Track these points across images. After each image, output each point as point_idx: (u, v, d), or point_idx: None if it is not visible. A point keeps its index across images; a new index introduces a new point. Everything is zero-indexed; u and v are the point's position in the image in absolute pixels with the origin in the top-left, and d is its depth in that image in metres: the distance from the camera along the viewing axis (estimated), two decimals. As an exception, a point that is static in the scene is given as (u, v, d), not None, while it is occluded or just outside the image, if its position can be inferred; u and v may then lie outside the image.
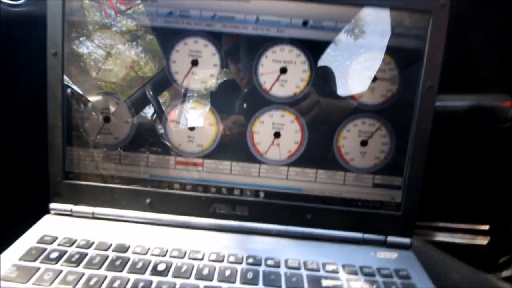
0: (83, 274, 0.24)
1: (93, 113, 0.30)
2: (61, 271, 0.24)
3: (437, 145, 0.32)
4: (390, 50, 0.30)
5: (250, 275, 0.25)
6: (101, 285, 0.23)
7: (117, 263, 0.25)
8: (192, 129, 0.31)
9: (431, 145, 0.30)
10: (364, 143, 0.31)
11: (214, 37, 0.29)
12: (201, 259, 0.27)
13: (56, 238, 0.28)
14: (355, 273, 0.27)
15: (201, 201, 0.31)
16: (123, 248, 0.27)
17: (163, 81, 0.30)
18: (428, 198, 0.38)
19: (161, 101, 0.30)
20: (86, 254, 0.26)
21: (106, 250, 0.27)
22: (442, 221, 0.48)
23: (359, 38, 0.29)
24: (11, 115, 0.36)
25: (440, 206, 0.46)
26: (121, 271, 0.25)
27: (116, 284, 0.23)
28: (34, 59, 0.34)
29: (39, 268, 0.24)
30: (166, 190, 0.31)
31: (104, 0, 0.29)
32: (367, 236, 0.31)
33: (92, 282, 0.23)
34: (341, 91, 0.30)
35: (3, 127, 0.35)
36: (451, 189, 0.45)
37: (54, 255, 0.26)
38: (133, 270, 0.25)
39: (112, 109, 0.30)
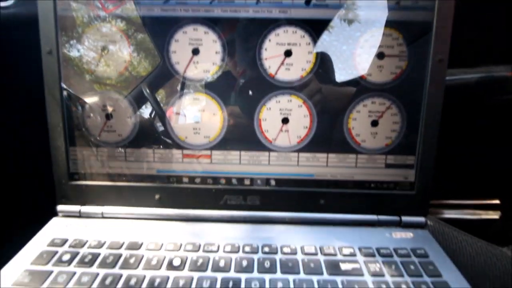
0: (98, 274, 0.23)
1: (94, 111, 0.29)
2: (74, 273, 0.23)
3: (445, 120, 0.31)
4: (397, 25, 0.28)
5: (267, 264, 0.25)
6: (116, 284, 0.23)
7: (131, 260, 0.25)
8: (198, 120, 0.30)
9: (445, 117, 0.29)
10: (374, 123, 0.30)
11: (214, 23, 0.28)
12: (216, 251, 0.26)
13: (67, 240, 0.27)
14: (373, 255, 0.27)
15: (212, 193, 0.30)
16: (136, 246, 0.27)
17: (164, 73, 0.29)
18: (438, 175, 0.37)
19: (163, 94, 0.29)
20: (99, 254, 0.25)
21: (119, 248, 0.26)
22: (452, 198, 0.48)
23: (364, 14, 0.28)
24: (10, 117, 0.35)
25: (449, 182, 0.46)
26: (136, 268, 0.24)
27: (132, 281, 0.23)
28: (28, 61, 0.33)
29: (52, 272, 0.23)
30: (175, 185, 0.30)
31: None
32: (381, 217, 0.30)
33: (107, 282, 0.23)
34: (349, 71, 0.29)
35: (2, 131, 0.35)
36: (460, 164, 0.44)
37: (66, 257, 0.25)
38: (148, 267, 0.24)
39: (114, 105, 0.29)
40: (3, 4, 0.34)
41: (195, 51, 0.29)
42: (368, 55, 0.29)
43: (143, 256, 0.25)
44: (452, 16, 0.28)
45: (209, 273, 0.24)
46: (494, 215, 0.46)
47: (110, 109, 0.29)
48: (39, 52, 0.28)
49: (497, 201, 0.46)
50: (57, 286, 0.22)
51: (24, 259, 0.25)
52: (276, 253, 0.26)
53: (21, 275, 0.23)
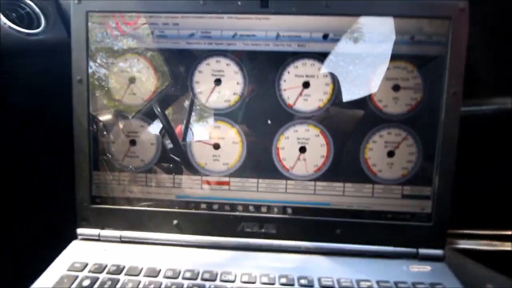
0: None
1: (119, 137, 0.30)
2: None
3: (460, 151, 0.32)
4: (412, 58, 0.29)
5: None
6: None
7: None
8: (217, 147, 0.31)
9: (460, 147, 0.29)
10: (391, 154, 0.30)
11: (236, 56, 0.30)
12: (233, 281, 0.26)
13: (87, 265, 0.27)
14: (390, 289, 0.26)
15: (229, 220, 0.30)
16: (154, 272, 0.27)
17: (187, 102, 0.30)
18: (454, 204, 0.37)
19: (185, 121, 0.30)
20: (118, 280, 0.26)
21: (137, 275, 0.26)
22: (466, 228, 0.47)
23: (380, 48, 0.29)
24: (35, 141, 0.37)
25: (465, 212, 0.45)
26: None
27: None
28: (53, 86, 0.35)
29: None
30: (193, 211, 0.30)
31: (115, 25, 0.29)
32: (398, 249, 0.30)
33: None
34: (365, 102, 0.30)
35: (28, 155, 0.36)
36: (475, 194, 0.44)
37: (86, 283, 0.25)
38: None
39: (138, 132, 0.30)
40: (31, 31, 0.36)
41: (218, 82, 0.30)
42: (384, 87, 0.30)
43: (161, 284, 0.25)
44: (465, 50, 0.29)
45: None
46: (509, 247, 0.45)
47: (134, 135, 0.31)
48: (65, 78, 0.30)
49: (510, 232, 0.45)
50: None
51: (46, 283, 0.25)
52: (293, 284, 0.26)
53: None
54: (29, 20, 0.36)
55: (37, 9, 0.37)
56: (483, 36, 0.35)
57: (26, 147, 0.36)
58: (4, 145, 0.33)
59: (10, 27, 0.32)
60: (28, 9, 0.36)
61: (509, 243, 0.46)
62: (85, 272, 0.26)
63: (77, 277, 0.26)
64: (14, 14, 0.34)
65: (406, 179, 0.30)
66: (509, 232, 0.46)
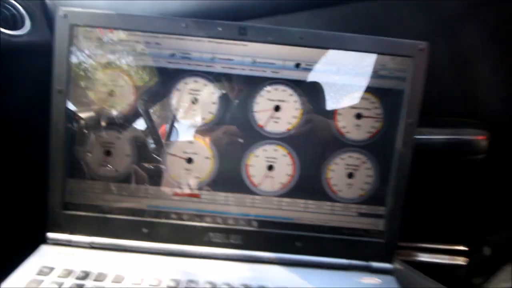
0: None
1: (95, 147, 0.31)
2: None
3: (421, 173, 0.35)
4: (375, 90, 0.32)
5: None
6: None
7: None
8: (190, 161, 0.32)
9: (415, 172, 0.32)
10: (350, 176, 0.33)
11: (213, 77, 0.31)
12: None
13: (53, 269, 0.28)
14: (342, 300, 0.29)
15: (197, 230, 0.32)
16: (119, 279, 0.28)
17: (164, 117, 0.32)
18: (411, 221, 0.40)
19: (160, 136, 0.32)
20: (83, 286, 0.27)
21: (102, 281, 0.28)
22: (424, 242, 0.51)
23: (347, 79, 0.32)
24: (11, 143, 0.37)
25: (422, 228, 0.49)
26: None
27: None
28: (34, 90, 0.35)
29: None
30: (163, 220, 0.32)
31: (98, 39, 0.30)
32: (353, 262, 0.33)
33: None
34: (330, 128, 0.32)
35: (6, 156, 0.36)
36: (432, 213, 0.48)
37: (52, 286, 0.26)
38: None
39: (114, 143, 0.32)
40: (15, 32, 0.36)
41: (194, 100, 0.32)
42: (347, 115, 0.32)
43: (126, 290, 0.27)
44: (422, 85, 0.32)
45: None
46: (462, 261, 0.49)
47: (110, 146, 0.32)
48: (47, 82, 0.30)
49: (465, 248, 0.50)
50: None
51: (15, 285, 0.26)
52: (253, 293, 0.28)
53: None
54: (13, 22, 0.36)
55: (22, 11, 0.37)
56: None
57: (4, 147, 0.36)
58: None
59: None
60: (14, 11, 0.36)
61: (463, 258, 0.50)
62: (53, 277, 0.27)
63: (42, 281, 0.27)
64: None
65: (363, 199, 0.33)
66: (463, 248, 0.51)
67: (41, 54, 0.35)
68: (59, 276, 0.28)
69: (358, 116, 0.32)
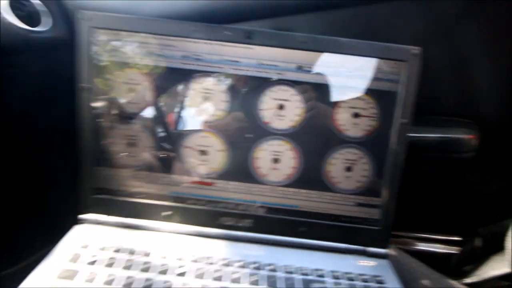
0: (114, 274, 0.29)
1: (119, 139, 0.36)
2: (96, 273, 0.29)
3: (418, 169, 0.38)
4: (371, 91, 0.35)
5: (254, 278, 0.31)
6: (130, 284, 0.29)
7: (142, 267, 0.31)
8: (204, 153, 0.36)
9: (412, 168, 0.35)
10: (348, 169, 0.36)
11: (223, 78, 0.35)
12: (215, 263, 0.32)
13: (88, 246, 0.33)
14: (339, 278, 0.33)
15: (211, 214, 0.36)
16: (146, 253, 0.32)
17: (178, 113, 0.36)
18: (409, 213, 0.44)
19: (179, 129, 0.36)
20: (115, 258, 0.31)
21: (132, 254, 0.32)
22: (422, 231, 0.54)
23: (345, 81, 0.35)
24: (41, 135, 0.41)
25: (419, 220, 0.52)
26: (146, 271, 0.30)
27: (140, 283, 0.29)
28: (56, 85, 0.39)
29: (78, 271, 0.29)
30: (183, 205, 0.36)
31: (116, 41, 0.34)
32: (350, 246, 0.37)
33: (123, 281, 0.29)
34: (330, 125, 0.36)
35: (34, 148, 0.41)
36: (429, 206, 0.51)
37: (90, 259, 0.31)
38: (156, 271, 0.30)
39: (137, 136, 0.36)
40: (35, 29, 0.37)
41: (206, 99, 0.35)
42: (345, 114, 0.36)
43: (151, 263, 0.31)
44: (415, 87, 0.35)
45: (206, 280, 0.30)
46: (455, 250, 0.52)
47: (134, 139, 0.36)
48: (67, 77, 0.34)
49: (459, 238, 0.52)
50: (86, 282, 0.28)
51: (57, 259, 0.31)
52: (262, 269, 0.32)
53: (60, 270, 0.29)
54: (34, 19, 0.38)
55: (42, 8, 0.39)
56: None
57: (34, 140, 0.41)
58: (7, 139, 0.37)
59: (13, 23, 0.34)
60: (34, 8, 0.38)
61: (457, 247, 0.53)
62: (89, 251, 0.32)
63: (80, 255, 0.31)
64: (19, 12, 0.36)
65: (360, 191, 0.37)
66: (456, 238, 0.54)
67: (61, 50, 0.38)
68: (93, 251, 0.32)
69: (356, 115, 0.36)
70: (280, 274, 0.32)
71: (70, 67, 0.35)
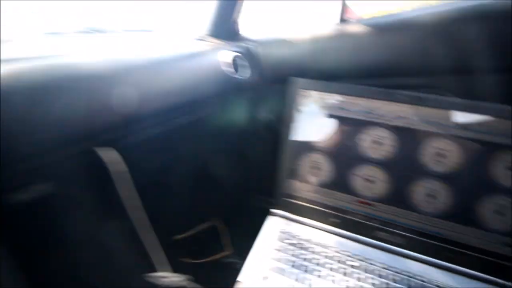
0: (305, 255, 0.45)
1: (308, 163, 0.52)
2: (294, 252, 0.45)
3: None
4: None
5: (404, 284, 0.41)
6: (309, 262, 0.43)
7: (322, 260, 0.45)
8: (370, 182, 0.49)
9: None
10: (501, 214, 0.43)
11: (394, 129, 0.47)
12: (375, 265, 0.44)
13: (285, 232, 0.49)
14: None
15: (368, 227, 0.48)
16: (321, 244, 0.47)
17: (354, 151, 0.50)
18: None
19: (354, 161, 0.50)
20: (302, 244, 0.47)
21: (310, 242, 0.47)
22: None
23: (494, 138, 0.42)
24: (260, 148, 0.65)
25: None
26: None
27: (320, 263, 0.43)
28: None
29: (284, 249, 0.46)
30: (348, 216, 0.49)
31: (315, 98, 0.51)
32: (496, 279, 0.42)
33: (308, 262, 0.43)
34: (484, 174, 0.43)
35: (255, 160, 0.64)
36: None
37: (293, 241, 0.47)
38: (336, 261, 0.44)
39: (320, 162, 0.51)
40: (242, 77, 0.64)
41: (377, 143, 0.48)
42: (502, 167, 0.42)
43: (327, 254, 0.45)
44: None
45: (370, 274, 0.42)
46: None
47: (318, 164, 0.51)
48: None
49: None
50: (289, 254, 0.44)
51: (269, 236, 0.48)
52: (413, 278, 0.42)
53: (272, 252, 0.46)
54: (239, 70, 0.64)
55: (245, 62, 0.64)
56: None
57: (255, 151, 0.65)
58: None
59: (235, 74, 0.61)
60: (242, 62, 0.64)
61: None
62: (285, 235, 0.48)
63: (285, 238, 0.48)
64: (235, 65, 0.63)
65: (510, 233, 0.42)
66: None
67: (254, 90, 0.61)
68: (291, 236, 0.48)
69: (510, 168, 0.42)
70: (428, 285, 0.41)
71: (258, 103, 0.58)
